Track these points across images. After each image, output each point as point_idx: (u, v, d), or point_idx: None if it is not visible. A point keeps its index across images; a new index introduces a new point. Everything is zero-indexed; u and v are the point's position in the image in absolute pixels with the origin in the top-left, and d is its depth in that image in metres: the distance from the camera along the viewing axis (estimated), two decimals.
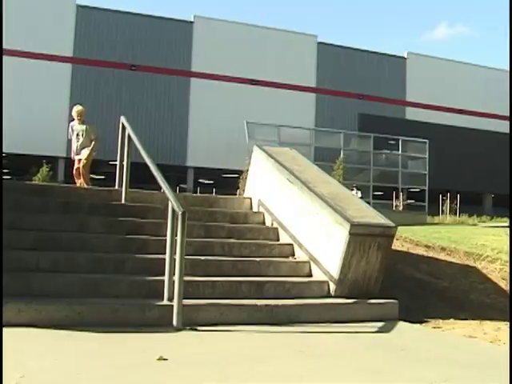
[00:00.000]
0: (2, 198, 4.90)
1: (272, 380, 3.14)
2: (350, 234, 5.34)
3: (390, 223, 5.70)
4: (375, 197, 24.90)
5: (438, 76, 35.81)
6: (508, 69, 29.93)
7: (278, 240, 6.51)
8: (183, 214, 4.46)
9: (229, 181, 27.75)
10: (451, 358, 3.97)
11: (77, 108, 9.81)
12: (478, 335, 5.05)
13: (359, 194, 21.04)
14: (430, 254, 8.46)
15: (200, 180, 33.12)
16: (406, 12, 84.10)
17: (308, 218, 6.05)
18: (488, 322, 5.68)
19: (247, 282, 5.27)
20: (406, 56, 36.23)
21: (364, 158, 23.89)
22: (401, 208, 23.80)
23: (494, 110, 37.73)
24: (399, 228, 11.37)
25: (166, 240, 4.64)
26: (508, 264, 7.56)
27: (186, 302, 4.49)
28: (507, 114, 35.59)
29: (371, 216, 5.80)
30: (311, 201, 5.99)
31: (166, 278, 4.59)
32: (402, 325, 5.22)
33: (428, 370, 3.58)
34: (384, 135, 24.04)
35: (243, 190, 8.04)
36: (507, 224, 16.22)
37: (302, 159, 7.45)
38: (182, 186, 29.44)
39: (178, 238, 4.43)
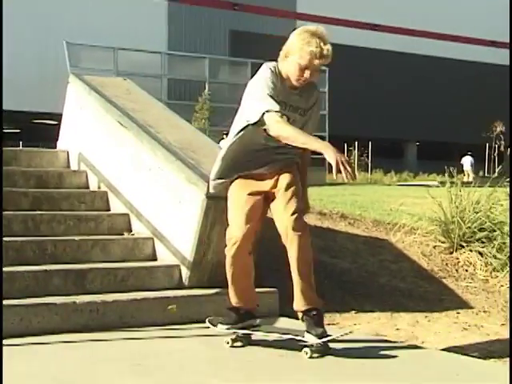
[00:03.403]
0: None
1: None
2: (208, 197, 5.41)
3: None
4: None
5: None
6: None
7: (108, 209, 6.52)
8: None
9: (43, 129, 26.93)
10: (349, 365, 4.21)
11: None
12: (388, 332, 5.40)
13: None
14: (326, 223, 8.84)
15: None
16: None
17: (150, 176, 6.09)
18: (403, 314, 6.09)
19: (62, 271, 5.25)
20: None
21: (239, 93, 24.16)
22: None
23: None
24: None
25: None
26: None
27: None
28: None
29: None
30: (153, 153, 6.03)
31: None
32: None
33: (315, 381, 3.82)
34: (266, 61, 24.46)
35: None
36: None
37: (141, 94, 7.43)
38: None
39: None
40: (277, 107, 4.20)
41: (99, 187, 6.76)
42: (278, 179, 4.41)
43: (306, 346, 4.24)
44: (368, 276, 7.26)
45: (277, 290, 5.73)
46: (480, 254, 7.77)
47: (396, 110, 39.40)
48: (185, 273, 5.63)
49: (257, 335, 4.55)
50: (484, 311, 6.35)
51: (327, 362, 4.22)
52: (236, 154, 4.48)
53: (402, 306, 6.36)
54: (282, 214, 4.30)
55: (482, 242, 7.87)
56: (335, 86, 25.38)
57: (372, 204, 11.40)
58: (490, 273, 7.52)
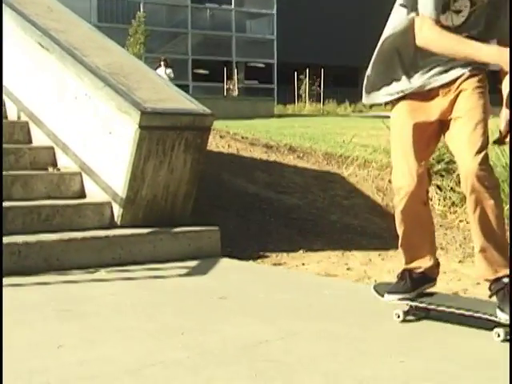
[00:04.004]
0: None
1: (21, 353, 3.15)
2: (142, 127, 5.39)
3: (204, 109, 5.81)
4: (196, 77, 25.17)
5: None
6: None
7: (30, 142, 6.41)
8: None
9: None
10: (295, 307, 4.24)
11: None
12: (338, 272, 5.44)
13: (169, 73, 21.15)
14: (273, 157, 8.85)
15: None
16: None
17: (76, 105, 5.98)
18: (355, 252, 6.14)
19: None
20: None
21: (177, 15, 23.79)
22: (235, 93, 24.39)
23: None
24: (230, 123, 11.77)
25: None
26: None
27: None
28: None
29: (174, 99, 5.86)
30: (79, 78, 5.90)
31: None
32: (225, 263, 5.46)
33: (259, 324, 3.80)
34: None
35: None
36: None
37: (64, 13, 7.24)
38: None
39: None
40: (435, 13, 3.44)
41: (19, 117, 6.62)
42: (456, 100, 3.61)
43: (497, 326, 3.48)
44: (318, 213, 7.31)
45: (218, 229, 5.72)
46: (438, 187, 7.86)
47: (351, 33, 39.31)
48: (117, 211, 5.59)
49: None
50: (441, 248, 6.43)
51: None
52: (391, 55, 3.75)
53: (354, 245, 6.42)
54: (463, 152, 3.49)
55: (441, 175, 7.95)
56: (284, 6, 25.22)
57: (323, 136, 11.47)
58: (449, 207, 7.62)
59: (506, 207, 5.71)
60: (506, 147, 7.09)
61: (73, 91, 6.01)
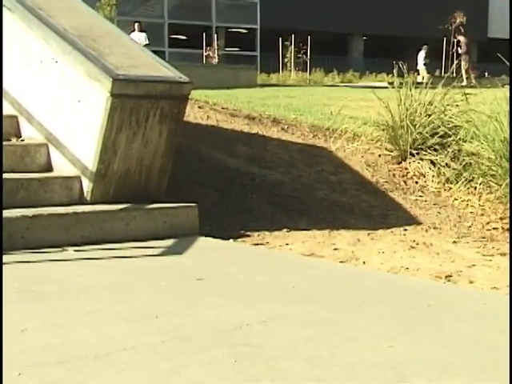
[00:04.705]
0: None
1: None
2: (113, 95, 5.37)
3: (182, 77, 5.80)
4: (173, 43, 25.02)
5: None
6: None
7: None
8: None
9: None
10: (278, 289, 4.27)
11: None
12: (325, 253, 5.47)
13: (144, 38, 21.04)
14: (255, 129, 8.84)
15: None
16: None
17: (42, 70, 5.95)
18: (343, 231, 6.18)
19: None
20: None
21: None
22: (215, 60, 24.32)
23: None
24: (209, 93, 11.73)
25: None
26: None
27: None
28: None
29: (149, 65, 5.84)
30: (45, 41, 5.87)
31: None
32: (203, 242, 5.48)
33: (239, 307, 3.82)
34: None
35: None
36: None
37: None
38: None
39: None
40: None
41: None
42: None
43: None
44: (303, 189, 7.32)
45: (196, 205, 5.73)
46: (432, 163, 7.89)
47: None
48: (86, 185, 5.59)
49: None
50: (434, 227, 6.48)
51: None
52: None
53: (341, 223, 6.45)
54: None
55: (435, 150, 7.98)
56: None
57: (310, 107, 11.47)
58: (443, 184, 7.66)
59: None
60: (504, 120, 7.15)
61: (38, 56, 5.97)
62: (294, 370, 2.84)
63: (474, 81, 18.86)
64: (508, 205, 6.72)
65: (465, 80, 19.29)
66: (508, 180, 5.78)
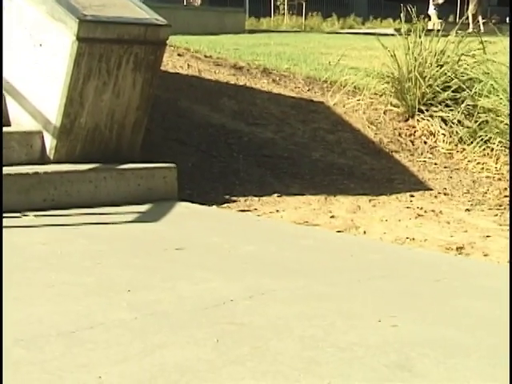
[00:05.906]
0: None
1: None
2: (80, 39, 5.36)
3: (159, 19, 5.77)
4: None
5: None
6: None
7: None
8: None
9: None
10: (266, 261, 4.28)
11: None
12: (320, 221, 5.49)
13: None
14: (243, 80, 8.82)
15: None
16: None
17: None
18: (341, 197, 6.20)
19: None
20: None
21: None
22: (198, 2, 24.18)
23: None
24: (191, 39, 11.66)
25: None
26: None
27: None
28: None
29: (122, 6, 5.82)
30: None
31: None
32: (183, 208, 5.50)
33: (222, 281, 3.83)
34: None
35: None
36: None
37: None
38: None
39: None
40: None
41: None
42: None
43: None
44: (296, 149, 7.33)
45: (175, 166, 5.73)
46: (443, 120, 7.89)
47: None
48: (49, 142, 5.59)
49: None
50: (445, 194, 6.50)
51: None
52: None
53: (339, 188, 6.47)
54: None
55: (447, 106, 7.97)
56: None
57: (305, 56, 11.40)
58: (456, 145, 7.67)
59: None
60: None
61: None
62: (283, 350, 2.85)
63: (482, 27, 18.76)
64: None
65: (471, 26, 19.21)
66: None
